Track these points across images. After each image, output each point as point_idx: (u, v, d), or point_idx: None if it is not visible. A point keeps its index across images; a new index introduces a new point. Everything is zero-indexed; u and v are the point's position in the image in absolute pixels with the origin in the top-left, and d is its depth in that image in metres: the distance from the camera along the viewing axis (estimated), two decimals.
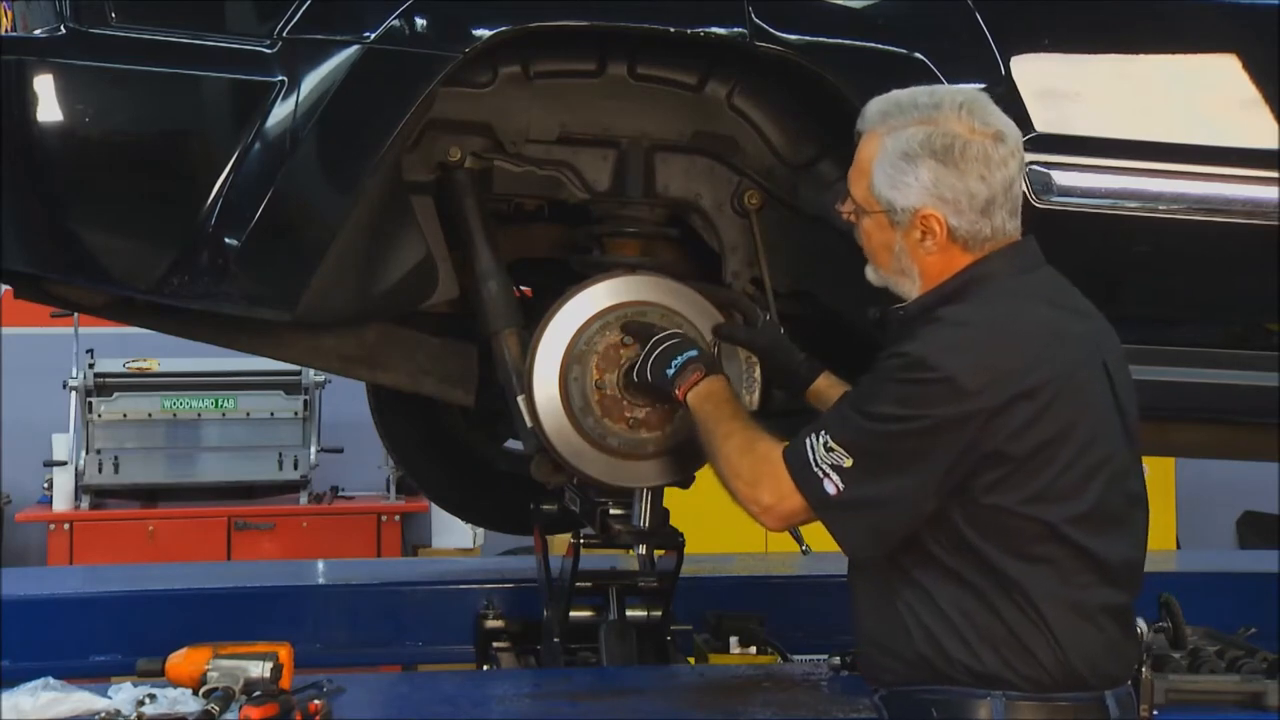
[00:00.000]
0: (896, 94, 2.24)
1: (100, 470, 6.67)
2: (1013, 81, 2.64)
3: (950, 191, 2.16)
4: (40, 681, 2.62)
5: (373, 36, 2.40)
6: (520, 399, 2.64)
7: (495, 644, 3.76)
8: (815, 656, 3.41)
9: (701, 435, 2.37)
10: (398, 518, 6.99)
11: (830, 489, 2.13)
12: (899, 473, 2.11)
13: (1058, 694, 2.14)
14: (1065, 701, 2.15)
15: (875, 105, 2.25)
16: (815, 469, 2.14)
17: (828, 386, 2.56)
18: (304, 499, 6.91)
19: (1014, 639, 2.13)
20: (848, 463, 2.11)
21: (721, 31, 2.55)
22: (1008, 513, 2.11)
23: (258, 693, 2.54)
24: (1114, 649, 2.20)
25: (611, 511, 3.07)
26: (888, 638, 2.21)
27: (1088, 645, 2.16)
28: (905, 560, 2.17)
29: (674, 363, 2.44)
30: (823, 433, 2.15)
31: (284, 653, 2.61)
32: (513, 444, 3.75)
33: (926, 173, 2.17)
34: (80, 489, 6.68)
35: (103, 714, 2.54)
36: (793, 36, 2.56)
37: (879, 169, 2.20)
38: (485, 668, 3.73)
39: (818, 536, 2.61)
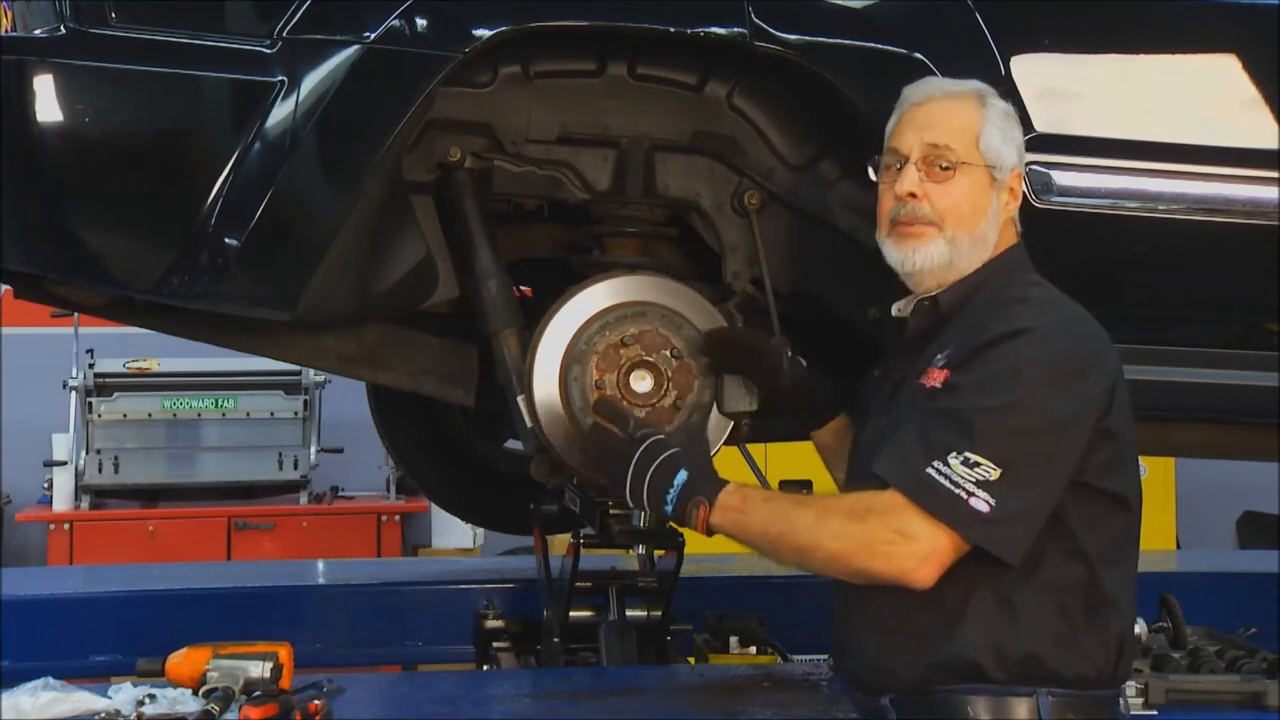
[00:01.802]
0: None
1: (100, 470, 6.69)
2: (1013, 81, 2.64)
3: (1022, 155, 2.31)
4: (40, 681, 2.62)
5: (373, 36, 2.39)
6: (520, 399, 2.64)
7: (495, 644, 3.77)
8: (815, 656, 3.42)
9: (762, 547, 2.15)
10: (398, 518, 7.01)
11: (981, 507, 2.01)
12: (1049, 466, 2.07)
13: (1098, 691, 2.16)
14: (1101, 699, 2.17)
15: (933, 80, 2.36)
16: (958, 492, 2.02)
17: (838, 429, 2.53)
18: (304, 499, 6.93)
19: (1074, 636, 2.12)
20: (995, 475, 2.01)
21: (721, 31, 2.54)
22: (1113, 500, 2.13)
23: (258, 693, 2.53)
24: (1134, 645, 2.24)
25: (611, 511, 3.08)
26: (916, 638, 2.15)
27: (1129, 642, 2.19)
28: (975, 562, 2.09)
29: (669, 497, 2.18)
30: (954, 453, 2.03)
31: (284, 653, 2.60)
32: (513, 444, 3.76)
33: (1019, 133, 2.30)
34: (80, 489, 6.70)
35: (103, 714, 2.54)
36: (792, 36, 2.55)
37: (990, 124, 2.25)
38: (485, 668, 3.74)
39: None
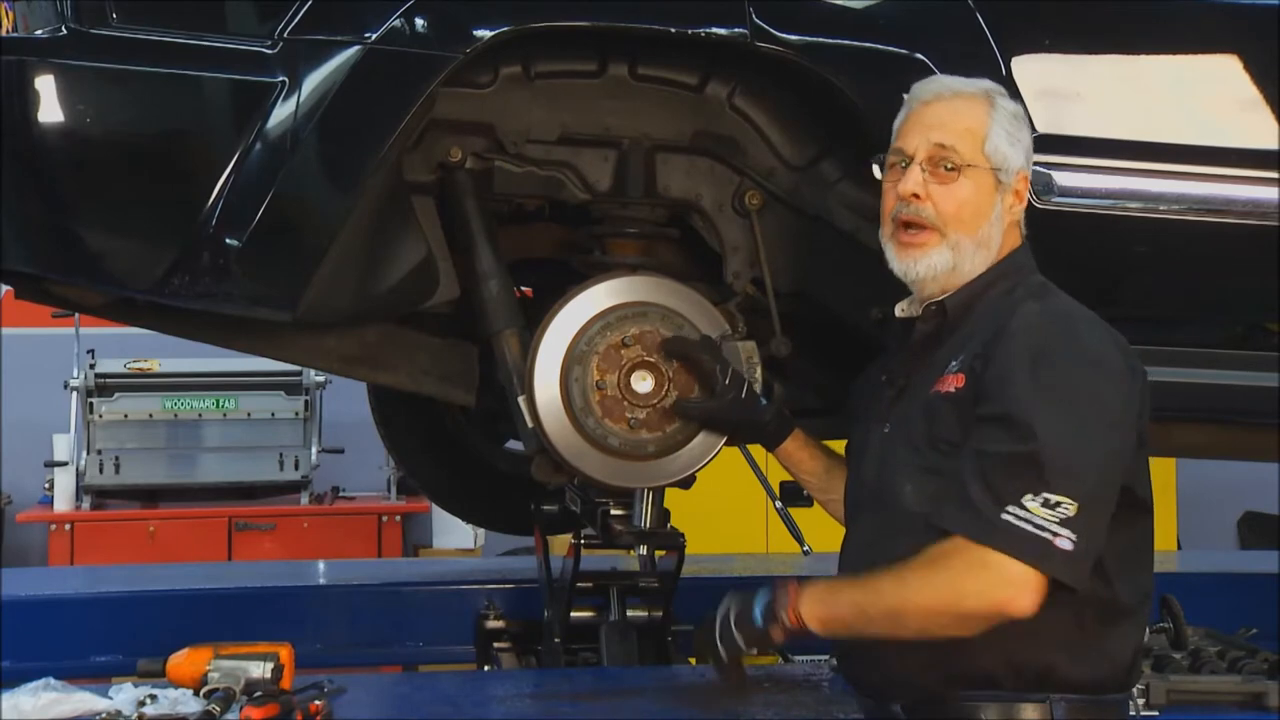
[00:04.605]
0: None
1: (101, 471, 6.69)
2: (1013, 82, 2.63)
3: (1029, 157, 2.29)
4: (41, 682, 2.62)
5: (374, 37, 2.39)
6: (521, 399, 2.64)
7: (496, 644, 3.77)
8: (815, 656, 3.41)
9: (852, 621, 2.13)
10: (398, 518, 7.01)
11: (1065, 545, 2.00)
12: (1110, 488, 2.07)
13: (1110, 695, 2.16)
14: (1113, 702, 2.17)
15: (942, 78, 2.33)
16: (1042, 534, 2.00)
17: (796, 449, 2.53)
18: (305, 499, 6.93)
19: (1089, 645, 2.12)
20: (1073, 510, 2.00)
21: (722, 32, 2.55)
22: (1137, 504, 2.13)
23: (258, 693, 2.53)
24: (1141, 649, 2.24)
25: (612, 512, 3.08)
26: (930, 649, 2.12)
27: (1140, 645, 2.21)
28: None
29: (755, 618, 2.19)
30: (1030, 495, 2.01)
31: (285, 653, 2.60)
32: (513, 444, 3.76)
33: (1027, 135, 2.29)
34: (81, 489, 6.70)
35: (103, 714, 2.54)
36: (793, 37, 2.56)
37: (998, 126, 2.24)
38: (486, 668, 3.74)
39: (818, 537, 2.62)
